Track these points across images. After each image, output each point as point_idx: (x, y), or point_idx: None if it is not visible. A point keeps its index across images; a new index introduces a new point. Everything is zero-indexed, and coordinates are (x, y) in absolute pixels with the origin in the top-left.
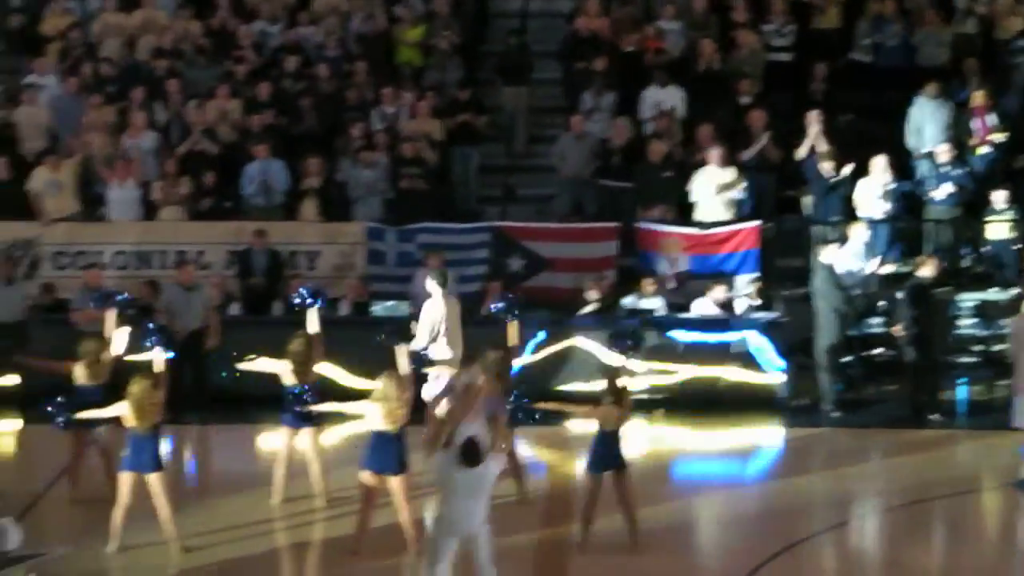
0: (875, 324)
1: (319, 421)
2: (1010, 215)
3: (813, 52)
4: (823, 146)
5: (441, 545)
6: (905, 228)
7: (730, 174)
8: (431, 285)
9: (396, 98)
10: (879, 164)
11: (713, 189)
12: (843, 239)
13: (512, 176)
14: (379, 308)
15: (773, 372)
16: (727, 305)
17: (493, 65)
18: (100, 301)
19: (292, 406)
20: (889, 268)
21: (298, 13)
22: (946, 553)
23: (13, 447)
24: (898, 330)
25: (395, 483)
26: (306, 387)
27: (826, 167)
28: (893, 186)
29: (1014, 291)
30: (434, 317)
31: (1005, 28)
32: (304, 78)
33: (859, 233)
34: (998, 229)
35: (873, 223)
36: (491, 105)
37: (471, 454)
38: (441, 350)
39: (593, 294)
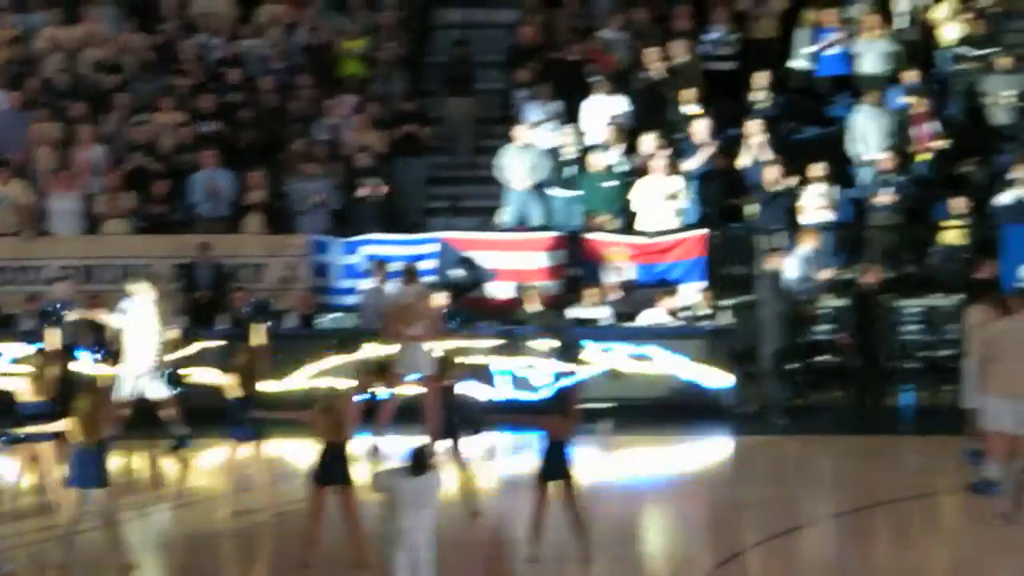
0: (821, 331)
1: (265, 434)
2: (963, 222)
3: (754, 61)
4: (766, 155)
5: (395, 558)
6: (849, 235)
7: (674, 183)
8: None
9: (339, 110)
10: (821, 172)
11: (658, 198)
12: (788, 247)
13: (458, 187)
14: (326, 320)
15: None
16: (677, 314)
17: (437, 76)
18: (43, 319)
19: (238, 419)
20: (834, 275)
21: (241, 26)
22: (896, 559)
23: None
24: (843, 338)
25: (341, 496)
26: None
27: (769, 175)
28: (836, 193)
29: (958, 297)
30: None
31: (945, 35)
32: (248, 91)
33: (805, 240)
34: (948, 235)
35: (818, 230)
36: (436, 116)
37: (419, 462)
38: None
39: (534, 304)
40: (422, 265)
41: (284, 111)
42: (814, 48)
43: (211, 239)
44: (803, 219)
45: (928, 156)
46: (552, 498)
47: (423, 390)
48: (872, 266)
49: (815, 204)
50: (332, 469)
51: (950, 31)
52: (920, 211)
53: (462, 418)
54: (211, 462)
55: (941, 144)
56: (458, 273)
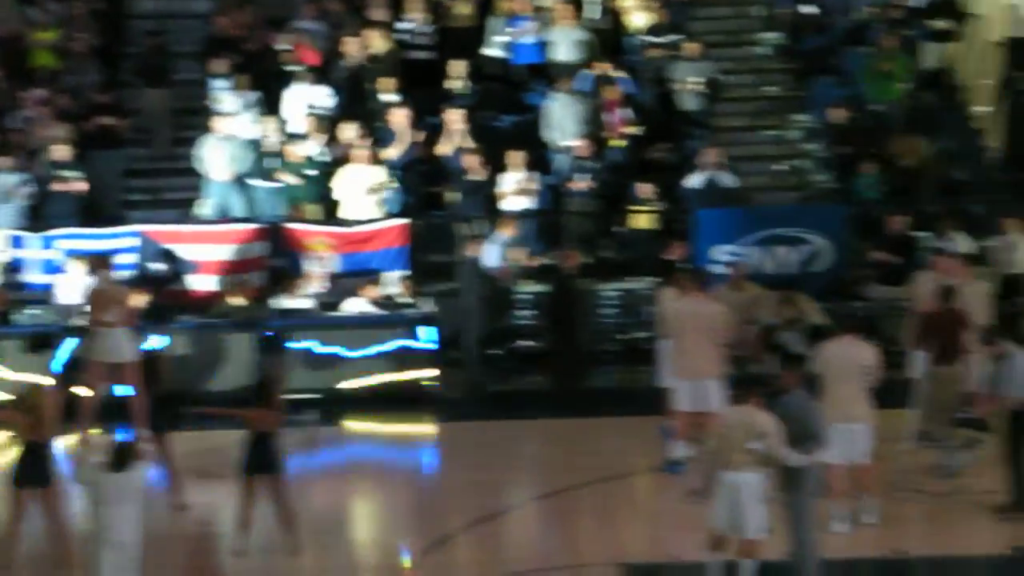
0: (521, 317)
1: None
2: (653, 206)
3: (451, 49)
4: (466, 143)
5: (100, 554)
6: (547, 221)
7: (376, 172)
8: None
9: (32, 102)
10: (519, 159)
11: (360, 187)
12: (489, 234)
13: (156, 179)
14: (23, 316)
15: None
16: (381, 303)
17: (132, 67)
18: None
19: None
20: (534, 261)
21: None
22: (595, 539)
23: None
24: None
25: (43, 495)
26: None
27: (469, 163)
28: (535, 180)
29: (652, 280)
30: None
31: (633, 23)
32: None
33: (504, 227)
34: (640, 219)
35: (517, 217)
36: (132, 107)
37: (120, 458)
38: None
39: (238, 297)
40: (121, 259)
41: None
42: (507, 37)
43: None
44: (503, 206)
45: (622, 142)
46: (259, 490)
47: (127, 380)
48: (570, 251)
49: (513, 191)
50: (33, 469)
51: (638, 19)
52: (615, 196)
53: (167, 411)
54: None
55: (633, 130)
56: (158, 266)
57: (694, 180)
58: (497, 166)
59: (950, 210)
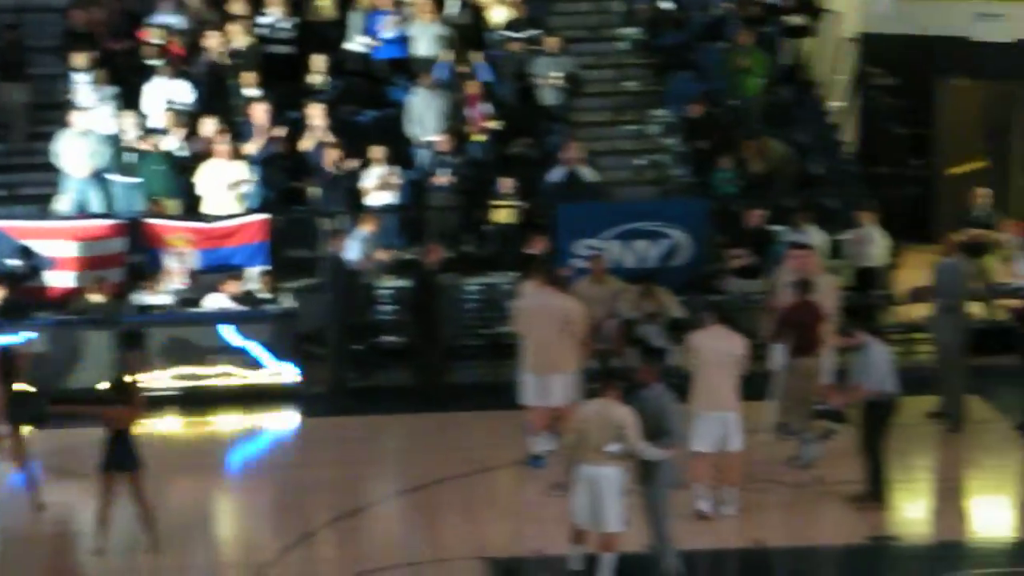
0: (383, 312)
1: None
2: (514, 201)
3: (312, 44)
4: (327, 138)
5: None
6: (409, 216)
7: (237, 167)
8: None
9: None
10: (381, 154)
11: (220, 183)
12: (350, 229)
13: (13, 174)
14: None
15: (273, 366)
16: (242, 299)
17: None
18: None
19: None
20: (395, 256)
21: None
22: (459, 533)
23: None
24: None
25: None
26: None
27: (330, 158)
28: (397, 175)
29: (515, 274)
30: None
31: (493, 18)
32: None
33: (366, 222)
34: (501, 214)
35: (379, 212)
36: None
37: None
38: None
39: (96, 294)
40: None
41: None
42: (369, 38)
43: None
44: (365, 201)
45: (483, 137)
46: (118, 488)
47: None
48: (432, 246)
49: (375, 186)
50: None
51: (498, 14)
52: (477, 191)
53: (24, 409)
54: None
55: (494, 125)
56: (15, 263)
57: (555, 175)
58: (359, 161)
59: (805, 204)
